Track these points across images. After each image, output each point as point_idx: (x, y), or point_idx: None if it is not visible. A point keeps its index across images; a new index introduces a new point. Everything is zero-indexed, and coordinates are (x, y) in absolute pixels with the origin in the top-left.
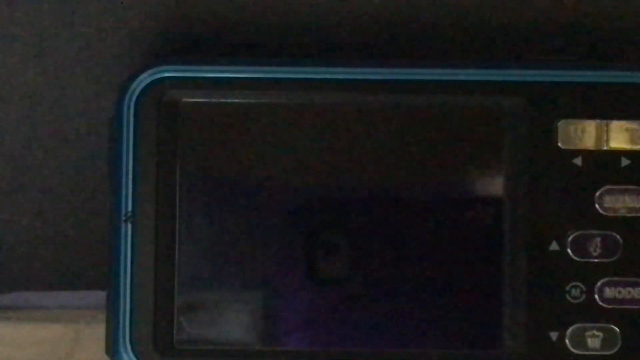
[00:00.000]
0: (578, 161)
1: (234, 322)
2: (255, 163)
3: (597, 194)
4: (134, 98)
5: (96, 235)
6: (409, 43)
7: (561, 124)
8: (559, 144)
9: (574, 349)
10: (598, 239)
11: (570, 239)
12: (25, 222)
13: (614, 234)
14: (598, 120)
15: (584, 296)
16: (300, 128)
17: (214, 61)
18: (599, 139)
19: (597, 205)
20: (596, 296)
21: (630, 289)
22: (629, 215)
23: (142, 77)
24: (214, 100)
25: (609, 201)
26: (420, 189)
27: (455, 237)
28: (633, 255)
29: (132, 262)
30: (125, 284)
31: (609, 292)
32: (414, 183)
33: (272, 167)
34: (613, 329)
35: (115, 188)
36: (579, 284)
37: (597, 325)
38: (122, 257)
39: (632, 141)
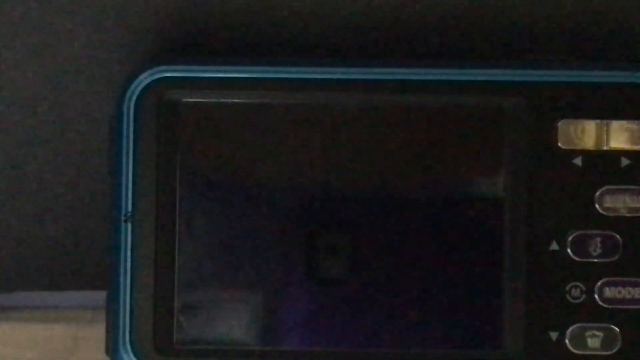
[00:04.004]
0: (578, 161)
1: (234, 322)
2: (255, 163)
3: (597, 194)
4: (134, 98)
5: (96, 235)
6: (409, 43)
7: (561, 124)
8: (559, 144)
9: (574, 349)
10: (598, 239)
11: (570, 239)
12: (24, 222)
13: (614, 234)
14: (598, 120)
15: (584, 296)
16: (300, 128)
17: (214, 61)
18: (599, 139)
19: (597, 205)
20: (596, 296)
21: (630, 289)
22: (629, 215)
23: (142, 77)
24: (214, 100)
25: (609, 201)
26: (421, 188)
27: (456, 237)
28: (633, 255)
29: (132, 262)
30: (125, 284)
31: (609, 292)
32: (414, 183)
33: (272, 167)
34: (613, 329)
35: (115, 188)
36: (579, 284)
37: (597, 325)
38: (122, 257)
39: (632, 141)
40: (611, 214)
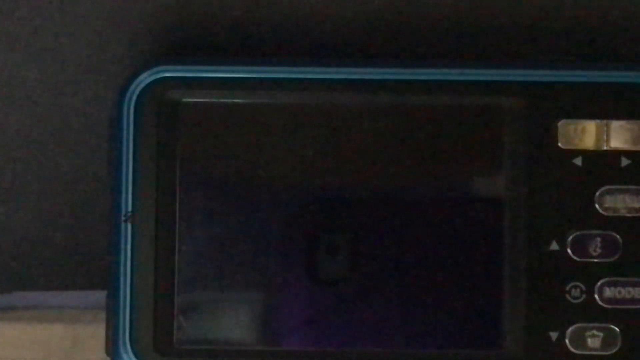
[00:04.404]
0: (578, 161)
1: (234, 322)
2: (255, 163)
3: (597, 194)
4: (134, 98)
5: (96, 235)
6: (408, 43)
7: (561, 124)
8: (559, 144)
9: (574, 349)
10: (598, 239)
11: (570, 239)
12: (25, 222)
13: (614, 234)
14: (598, 120)
15: (584, 296)
16: (300, 128)
17: (214, 61)
18: (599, 139)
19: (597, 205)
20: (596, 296)
21: (630, 289)
22: (629, 215)
23: (142, 77)
24: (214, 100)
25: (609, 201)
26: (420, 189)
27: (455, 237)
28: (633, 255)
29: (132, 262)
30: (125, 284)
31: (609, 292)
32: (414, 183)
33: (272, 167)
34: (613, 329)
35: (115, 188)
36: (579, 284)
37: (597, 325)
38: (122, 257)
39: (632, 141)
40: (611, 214)
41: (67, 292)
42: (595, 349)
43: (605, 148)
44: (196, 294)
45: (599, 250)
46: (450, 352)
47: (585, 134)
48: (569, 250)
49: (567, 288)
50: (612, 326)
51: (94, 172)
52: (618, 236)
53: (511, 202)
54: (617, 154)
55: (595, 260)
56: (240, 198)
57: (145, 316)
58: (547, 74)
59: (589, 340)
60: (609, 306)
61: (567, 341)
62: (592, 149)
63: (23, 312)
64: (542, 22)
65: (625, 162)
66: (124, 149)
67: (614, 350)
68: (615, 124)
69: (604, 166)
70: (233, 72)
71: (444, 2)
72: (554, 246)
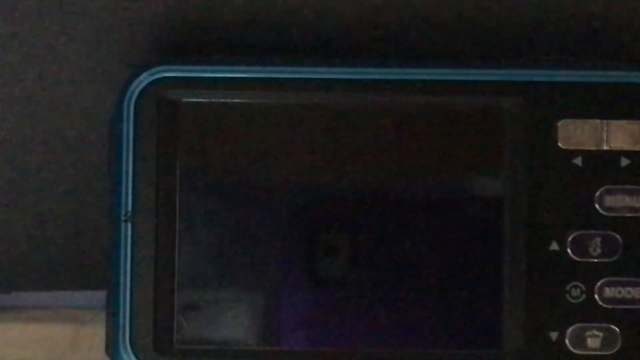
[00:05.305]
0: (578, 161)
1: (234, 322)
2: (255, 163)
3: (597, 194)
4: (134, 98)
5: (96, 235)
6: (409, 43)
7: (561, 124)
8: (559, 144)
9: (574, 348)
10: (598, 239)
11: (570, 239)
12: (25, 222)
13: (614, 234)
14: (598, 120)
15: (584, 296)
16: (300, 128)
17: (214, 61)
18: (599, 139)
19: (597, 205)
20: (596, 296)
21: (630, 289)
22: (629, 215)
23: (142, 77)
24: (214, 100)
25: (609, 201)
26: (420, 189)
27: (456, 237)
28: (633, 255)
29: (132, 262)
30: (125, 284)
31: (609, 292)
32: (414, 183)
33: (272, 167)
34: (613, 329)
35: (115, 188)
36: (579, 284)
37: (597, 325)
38: (122, 257)
39: (632, 141)
40: (611, 214)
41: (67, 292)
42: (595, 349)
43: (605, 148)
44: (196, 294)
45: (599, 250)
46: (450, 352)
47: (585, 134)
48: (569, 250)
49: (567, 288)
50: (612, 326)
51: (94, 172)
52: (618, 236)
53: (511, 202)
54: (617, 154)
55: (595, 260)
56: (240, 198)
57: (145, 316)
58: (547, 74)
59: (589, 340)
60: (609, 306)
61: (567, 341)
62: (592, 149)
63: (23, 312)
64: (542, 22)
65: (625, 162)
66: (124, 149)
67: (614, 350)
68: (615, 124)
69: (604, 166)
70: (233, 72)
71: (444, 2)
72: (554, 246)
